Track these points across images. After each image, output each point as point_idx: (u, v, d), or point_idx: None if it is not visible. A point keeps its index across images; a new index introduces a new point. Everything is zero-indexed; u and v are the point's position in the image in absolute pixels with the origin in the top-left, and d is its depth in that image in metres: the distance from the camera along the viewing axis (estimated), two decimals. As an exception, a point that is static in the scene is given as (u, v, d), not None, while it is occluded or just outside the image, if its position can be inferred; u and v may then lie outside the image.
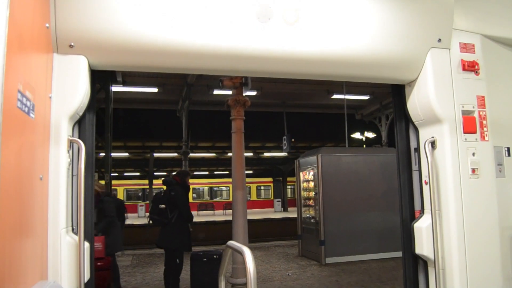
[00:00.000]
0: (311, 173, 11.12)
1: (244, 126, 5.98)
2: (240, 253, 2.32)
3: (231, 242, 2.68)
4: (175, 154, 23.58)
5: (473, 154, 3.44)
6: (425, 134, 3.59)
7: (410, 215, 3.68)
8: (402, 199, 3.75)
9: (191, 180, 7.22)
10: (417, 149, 3.70)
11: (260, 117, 16.74)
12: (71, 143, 2.80)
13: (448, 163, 3.39)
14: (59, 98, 2.73)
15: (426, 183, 3.55)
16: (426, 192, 3.54)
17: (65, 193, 2.68)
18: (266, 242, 13.98)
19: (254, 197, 38.62)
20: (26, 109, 2.13)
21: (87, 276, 2.82)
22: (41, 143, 2.51)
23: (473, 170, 3.42)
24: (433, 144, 3.48)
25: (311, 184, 11.17)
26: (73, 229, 2.86)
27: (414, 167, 3.71)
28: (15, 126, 1.98)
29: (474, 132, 3.47)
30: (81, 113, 2.95)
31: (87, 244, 2.85)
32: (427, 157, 3.38)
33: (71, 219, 2.84)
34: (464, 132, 3.43)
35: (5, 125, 1.76)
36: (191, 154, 18.24)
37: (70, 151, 2.81)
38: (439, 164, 3.45)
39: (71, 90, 2.78)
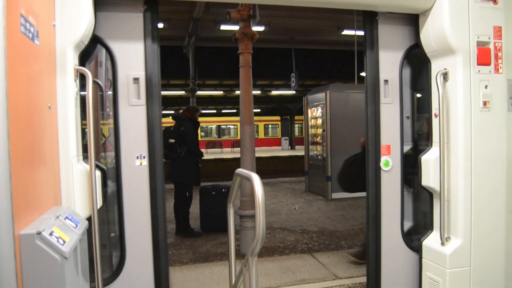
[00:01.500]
0: (319, 110, 11.07)
1: (252, 63, 5.84)
2: (249, 179, 2.36)
3: (240, 170, 2.72)
4: (182, 92, 23.45)
5: (486, 86, 3.37)
6: (437, 66, 3.51)
7: (376, 150, 3.64)
8: (369, 133, 3.70)
9: (199, 119, 7.21)
10: (387, 81, 3.64)
11: (268, 54, 16.41)
12: (78, 72, 2.77)
13: (459, 95, 3.33)
14: (63, 26, 2.67)
15: (436, 116, 3.52)
16: (435, 125, 3.52)
17: (74, 122, 2.70)
18: (273, 178, 14.20)
19: (261, 135, 38.92)
20: (30, 35, 2.09)
21: (99, 203, 2.90)
22: (48, 72, 2.49)
23: (485, 103, 3.37)
24: (445, 76, 3.41)
25: (319, 121, 11.15)
26: (84, 158, 2.91)
27: (383, 99, 3.65)
28: (20, 51, 1.95)
29: (488, 64, 3.38)
30: (86, 42, 2.90)
31: (98, 173, 2.91)
32: (439, 89, 3.32)
33: (82, 148, 2.88)
34: (478, 64, 3.34)
35: (10, 50, 1.74)
36: (199, 92, 18.10)
37: (77, 80, 2.80)
38: (450, 97, 3.40)
39: (74, 18, 2.71)
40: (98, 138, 3.05)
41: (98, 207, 2.82)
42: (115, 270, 3.23)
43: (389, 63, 3.67)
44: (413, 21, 3.67)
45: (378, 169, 3.65)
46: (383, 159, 3.65)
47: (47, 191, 2.37)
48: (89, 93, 2.69)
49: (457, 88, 3.34)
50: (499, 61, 3.41)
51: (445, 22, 3.30)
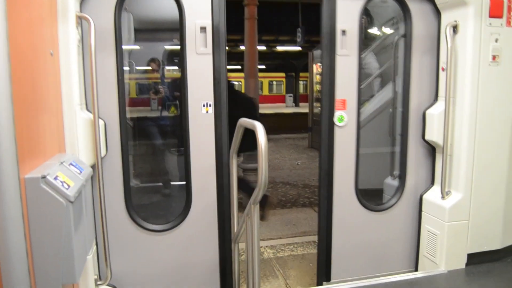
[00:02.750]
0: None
1: (258, 18, 5.72)
2: (252, 128, 2.36)
3: (243, 119, 2.71)
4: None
5: (496, 40, 3.29)
6: (447, 18, 3.41)
7: (330, 104, 3.47)
8: (323, 86, 3.52)
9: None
10: (344, 32, 3.42)
11: (274, 9, 16.02)
12: (79, 19, 2.72)
13: (468, 49, 3.26)
14: None
15: (443, 70, 3.46)
16: (442, 79, 3.47)
17: (76, 70, 2.66)
18: (277, 135, 14.22)
19: (266, 92, 38.57)
20: (29, -23, 2.03)
21: (103, 152, 2.92)
22: (49, 18, 2.44)
23: (494, 57, 3.30)
24: (454, 28, 3.32)
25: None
26: (87, 107, 2.90)
27: (340, 51, 3.45)
28: (19, -4, 1.90)
29: (500, 17, 3.28)
30: None
31: (101, 122, 2.91)
32: (447, 42, 3.25)
33: (84, 97, 2.86)
34: (490, 16, 3.24)
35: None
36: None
37: (79, 28, 2.75)
38: (459, 50, 3.33)
39: None
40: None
41: (102, 155, 2.84)
42: (182, 212, 3.33)
43: (348, 12, 3.43)
44: None
45: (331, 124, 3.48)
46: (337, 114, 3.47)
47: (51, 138, 2.38)
48: (92, 40, 2.64)
49: (467, 41, 3.26)
50: None
51: None
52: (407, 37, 3.58)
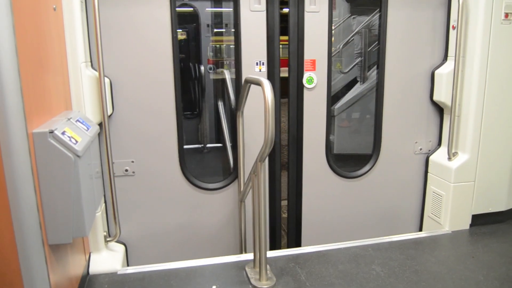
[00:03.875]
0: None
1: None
2: (259, 84, 2.33)
3: (249, 76, 2.67)
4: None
5: None
6: None
7: (298, 65, 3.33)
8: (291, 45, 3.33)
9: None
10: None
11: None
12: None
13: (480, 5, 3.17)
14: None
15: (453, 28, 3.38)
16: (452, 38, 3.40)
17: (80, 26, 2.61)
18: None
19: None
20: None
21: (109, 110, 2.91)
22: (50, -29, 2.37)
23: (506, 15, 3.21)
24: None
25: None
26: (92, 65, 2.87)
27: (309, 7, 3.25)
28: None
29: None
30: None
31: (107, 80, 2.88)
32: None
33: (89, 54, 2.82)
34: None
35: None
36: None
37: None
38: (470, 7, 3.23)
39: None
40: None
41: (108, 114, 2.82)
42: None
43: None
44: None
45: (300, 86, 3.35)
46: (306, 75, 3.34)
47: (57, 95, 2.36)
48: None
49: None
50: None
51: None
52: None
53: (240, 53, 3.19)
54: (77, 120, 2.26)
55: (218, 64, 6.02)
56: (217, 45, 6.15)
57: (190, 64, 5.82)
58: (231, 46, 6.06)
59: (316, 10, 3.25)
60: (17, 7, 1.71)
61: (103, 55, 2.68)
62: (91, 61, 2.85)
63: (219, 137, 5.13)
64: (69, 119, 2.17)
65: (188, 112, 5.22)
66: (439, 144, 3.68)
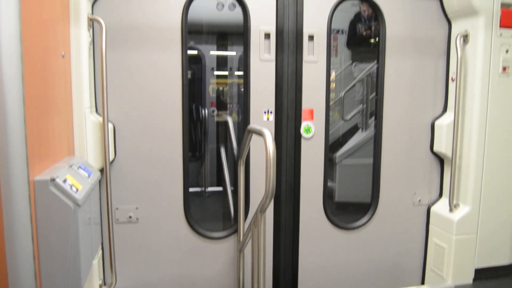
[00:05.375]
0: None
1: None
2: (261, 134, 2.34)
3: (252, 126, 2.69)
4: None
5: (507, 51, 3.27)
6: (457, 28, 3.39)
7: (296, 115, 3.31)
8: (288, 95, 3.31)
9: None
10: (312, 37, 3.28)
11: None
12: (91, 22, 2.73)
13: (478, 59, 3.24)
14: None
15: (452, 80, 3.44)
16: (452, 89, 3.45)
17: (87, 72, 2.67)
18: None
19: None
20: (43, -20, 2.05)
21: (111, 156, 2.92)
22: (61, 19, 2.44)
23: (504, 68, 3.28)
24: (465, 38, 3.30)
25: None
26: (97, 110, 2.91)
27: (307, 57, 3.29)
28: (33, -3, 1.91)
29: (511, 27, 3.26)
30: None
31: (110, 125, 2.91)
32: (457, 52, 3.23)
33: (94, 100, 2.87)
34: (501, 27, 3.22)
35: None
36: None
37: (91, 30, 2.76)
38: (469, 60, 3.30)
39: None
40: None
41: (110, 159, 2.83)
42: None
43: (316, 15, 3.28)
44: None
45: (297, 136, 3.34)
46: (304, 124, 3.35)
47: (60, 141, 2.38)
48: (102, 43, 2.65)
49: (477, 52, 3.24)
50: None
51: None
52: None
53: (248, 101, 3.23)
54: (79, 167, 2.27)
55: (221, 106, 6.11)
56: (220, 88, 6.28)
57: (193, 106, 5.92)
58: (234, 89, 6.22)
59: (314, 60, 3.30)
60: (27, 54, 1.76)
61: (108, 100, 2.72)
62: (96, 106, 2.89)
63: (220, 181, 5.13)
64: (71, 166, 2.18)
65: (190, 154, 5.26)
66: (440, 195, 3.66)
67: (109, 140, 2.77)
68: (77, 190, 1.99)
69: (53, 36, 2.27)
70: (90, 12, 2.79)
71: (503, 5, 3.20)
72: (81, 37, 2.60)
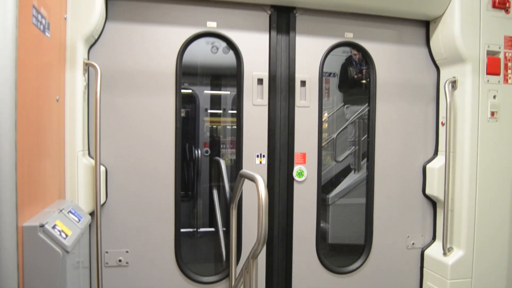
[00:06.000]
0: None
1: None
2: (253, 180, 2.35)
3: (244, 171, 2.70)
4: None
5: (494, 97, 3.35)
6: (446, 74, 3.49)
7: (288, 158, 3.36)
8: (281, 138, 3.35)
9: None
10: (304, 83, 3.36)
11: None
12: (86, 66, 2.77)
13: (467, 104, 3.31)
14: (74, 19, 2.67)
15: (442, 124, 3.50)
16: (442, 133, 3.50)
17: (81, 116, 2.69)
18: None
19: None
20: (42, 27, 2.09)
21: (103, 199, 2.90)
22: (57, 64, 2.49)
23: (492, 114, 3.35)
24: (453, 84, 3.39)
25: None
26: (89, 153, 2.91)
27: (299, 102, 3.36)
28: (31, 43, 1.95)
29: (498, 74, 3.36)
30: (96, 36, 2.90)
31: (103, 168, 2.91)
32: (447, 97, 3.30)
33: (87, 142, 2.87)
34: (487, 73, 3.32)
35: (21, 41, 1.74)
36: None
37: (86, 74, 2.80)
38: (458, 106, 3.38)
39: (86, 11, 2.71)
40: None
41: (102, 202, 2.81)
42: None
43: (308, 61, 3.38)
44: (335, 14, 3.45)
45: (290, 179, 3.36)
46: (296, 168, 3.39)
47: (51, 184, 2.37)
48: (97, 87, 2.68)
49: (465, 97, 3.32)
50: (509, 71, 3.39)
51: (456, 30, 3.28)
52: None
53: (241, 145, 3.26)
54: (69, 211, 2.25)
55: (214, 146, 6.12)
56: (214, 126, 6.31)
57: (187, 146, 5.93)
58: (227, 127, 6.25)
59: (306, 105, 3.37)
60: (22, 100, 1.77)
61: (101, 143, 2.73)
62: (88, 149, 2.90)
63: (213, 222, 5.08)
64: (61, 210, 2.16)
65: (182, 193, 5.22)
66: (434, 238, 3.65)
67: (101, 183, 2.76)
68: (66, 236, 1.96)
69: (48, 81, 2.30)
70: (86, 57, 2.84)
71: (488, 53, 3.31)
72: (76, 81, 2.64)
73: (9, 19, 1.67)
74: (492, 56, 3.33)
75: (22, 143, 1.77)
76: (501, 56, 3.37)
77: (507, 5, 3.36)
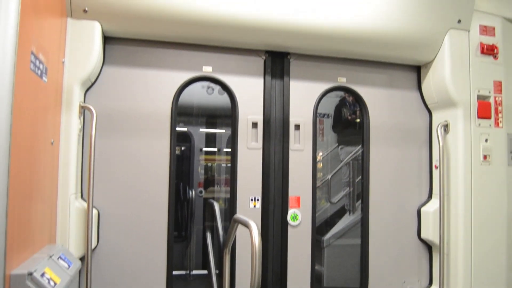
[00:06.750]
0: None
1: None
2: (246, 226, 2.32)
3: (238, 216, 2.67)
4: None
5: (486, 140, 3.39)
6: (438, 118, 3.54)
7: (282, 202, 3.33)
8: (275, 182, 3.35)
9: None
10: (298, 126, 3.39)
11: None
12: (82, 109, 2.79)
13: (460, 148, 3.34)
14: (71, 63, 2.71)
15: (436, 168, 3.52)
16: (436, 176, 3.51)
17: (75, 159, 2.68)
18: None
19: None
20: (39, 72, 2.12)
21: (94, 243, 2.85)
22: (53, 108, 2.50)
23: (485, 157, 3.37)
24: (445, 128, 3.43)
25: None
26: (82, 195, 2.88)
27: (293, 145, 3.37)
28: (28, 88, 1.97)
29: (489, 118, 3.41)
30: (93, 79, 2.94)
31: (95, 211, 2.88)
32: (439, 141, 3.34)
33: (80, 185, 2.85)
34: (478, 117, 3.38)
35: (18, 86, 1.76)
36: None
37: (81, 117, 2.81)
38: (450, 149, 3.41)
39: (83, 56, 2.76)
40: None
41: (93, 247, 2.77)
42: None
43: (302, 105, 3.42)
44: (329, 60, 3.52)
45: (284, 223, 3.32)
46: (290, 212, 3.35)
47: (42, 229, 2.33)
48: (92, 130, 2.69)
49: (458, 141, 3.35)
50: (500, 115, 3.45)
51: (447, 75, 3.36)
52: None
53: (235, 188, 3.25)
54: (59, 257, 2.21)
55: (208, 186, 6.09)
56: (209, 164, 6.31)
57: (181, 186, 5.89)
58: (222, 165, 6.25)
59: (300, 148, 3.38)
60: (16, 144, 1.77)
61: (94, 185, 2.71)
62: (81, 192, 2.87)
63: (206, 263, 4.99)
64: (51, 257, 2.12)
65: (175, 234, 5.14)
66: (431, 283, 3.59)
67: (93, 226, 2.72)
68: (55, 284, 1.91)
69: (44, 124, 2.31)
70: (83, 100, 2.87)
71: (479, 97, 3.38)
72: (71, 124, 2.66)
73: (7, 66, 1.69)
74: (482, 101, 3.40)
75: (14, 187, 1.76)
76: (491, 100, 3.43)
77: (495, 51, 3.46)
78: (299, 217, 3.34)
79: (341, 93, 5.65)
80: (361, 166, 3.63)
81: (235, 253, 3.21)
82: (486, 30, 3.47)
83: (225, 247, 3.02)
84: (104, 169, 2.99)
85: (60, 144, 2.63)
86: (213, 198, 5.72)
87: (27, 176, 2.03)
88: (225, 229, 3.38)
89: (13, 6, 1.74)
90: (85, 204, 2.73)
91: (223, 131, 6.12)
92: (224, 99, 3.41)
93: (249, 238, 2.25)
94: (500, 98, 3.46)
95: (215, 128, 6.32)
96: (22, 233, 1.96)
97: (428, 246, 3.61)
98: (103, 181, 2.97)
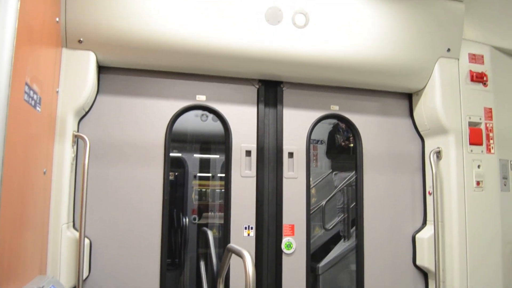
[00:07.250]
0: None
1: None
2: (240, 256, 2.30)
3: (231, 245, 2.65)
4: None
5: (478, 166, 3.41)
6: (430, 144, 3.57)
7: (277, 230, 3.31)
8: (269, 210, 3.34)
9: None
10: (292, 154, 3.40)
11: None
12: (76, 138, 2.79)
13: (452, 174, 3.36)
14: (66, 93, 2.72)
15: (429, 194, 3.52)
16: (430, 203, 3.51)
17: (68, 188, 2.67)
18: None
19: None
20: (33, 103, 2.13)
21: (85, 273, 2.81)
22: (46, 137, 2.50)
23: (478, 183, 3.39)
24: (438, 154, 3.46)
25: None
26: (74, 225, 2.85)
27: (287, 173, 3.38)
28: (21, 119, 1.97)
29: (480, 144, 3.45)
30: (87, 108, 2.95)
31: (87, 241, 2.84)
32: (432, 167, 3.35)
33: (72, 214, 2.83)
34: (470, 144, 3.41)
35: (11, 117, 1.75)
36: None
37: (75, 146, 2.81)
38: (443, 175, 3.42)
39: (78, 85, 2.78)
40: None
41: (84, 277, 2.72)
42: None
43: (295, 133, 3.44)
44: (321, 88, 3.56)
45: (279, 252, 3.29)
46: (284, 240, 3.34)
47: (32, 259, 2.29)
48: (86, 159, 2.68)
49: (450, 167, 3.37)
50: (491, 141, 3.49)
51: (438, 102, 3.41)
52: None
53: (229, 217, 3.23)
54: (49, 289, 2.17)
55: (202, 213, 6.04)
56: (203, 189, 6.27)
57: (174, 213, 5.84)
58: (216, 191, 6.21)
59: (294, 176, 3.39)
60: (7, 174, 1.75)
61: (86, 214, 2.68)
62: (73, 221, 2.84)
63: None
64: (40, 289, 2.08)
65: (169, 261, 5.07)
66: (427, 311, 3.55)
67: (84, 256, 2.68)
68: (44, 318, 1.87)
69: (36, 154, 2.30)
70: (76, 129, 2.87)
71: (470, 124, 3.43)
72: (64, 153, 2.65)
73: (1, 97, 1.69)
74: (473, 127, 3.44)
75: (5, 218, 1.73)
76: (482, 126, 3.48)
77: (485, 78, 3.52)
78: (293, 245, 3.32)
79: (335, 120, 5.70)
80: (355, 193, 3.63)
81: (229, 283, 3.16)
82: (475, 58, 3.55)
83: (219, 277, 2.98)
84: (97, 198, 2.97)
85: (52, 173, 2.61)
86: (206, 225, 5.67)
87: (19, 206, 2.01)
88: (219, 257, 3.34)
89: (9, 37, 1.76)
90: (77, 234, 2.70)
91: (217, 156, 6.12)
92: (218, 125, 3.43)
93: (243, 267, 2.24)
94: (491, 125, 3.51)
95: (209, 153, 6.32)
96: (11, 264, 1.92)
97: (424, 273, 3.57)
98: (95, 210, 2.95)
